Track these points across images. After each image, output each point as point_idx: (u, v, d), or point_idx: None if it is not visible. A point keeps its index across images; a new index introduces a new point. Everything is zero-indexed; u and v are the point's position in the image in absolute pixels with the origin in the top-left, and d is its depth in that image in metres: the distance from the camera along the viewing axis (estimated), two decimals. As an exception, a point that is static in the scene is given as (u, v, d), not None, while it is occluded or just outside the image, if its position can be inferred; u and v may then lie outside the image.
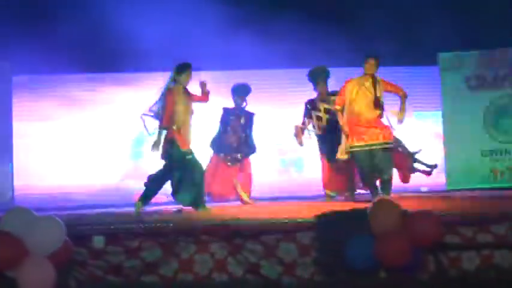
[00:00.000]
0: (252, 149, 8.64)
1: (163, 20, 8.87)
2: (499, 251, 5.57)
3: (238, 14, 8.96)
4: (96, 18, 9.01)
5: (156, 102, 7.31)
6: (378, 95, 7.65)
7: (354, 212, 5.68)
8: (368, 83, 7.65)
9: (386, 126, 7.75)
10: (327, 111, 8.35)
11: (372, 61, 7.66)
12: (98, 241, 5.61)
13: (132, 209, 7.37)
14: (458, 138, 10.00)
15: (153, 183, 7.38)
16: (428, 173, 8.99)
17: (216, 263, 5.59)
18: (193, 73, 7.43)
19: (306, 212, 6.32)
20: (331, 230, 5.36)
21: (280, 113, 9.79)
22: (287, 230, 5.66)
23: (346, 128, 7.68)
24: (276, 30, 9.25)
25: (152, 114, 7.33)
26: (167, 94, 7.26)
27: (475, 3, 9.61)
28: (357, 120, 7.66)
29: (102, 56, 9.53)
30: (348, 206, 6.72)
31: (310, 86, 8.50)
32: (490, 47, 9.81)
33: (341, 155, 7.81)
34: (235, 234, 5.63)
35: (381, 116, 7.74)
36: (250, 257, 5.59)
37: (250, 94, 8.62)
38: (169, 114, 7.22)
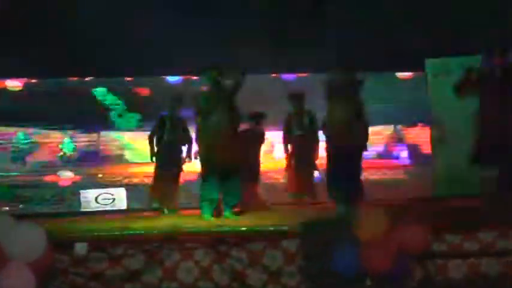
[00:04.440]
0: None
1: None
2: (486, 259, 5.53)
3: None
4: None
5: None
6: None
7: (338, 219, 5.64)
8: None
9: None
10: None
11: None
12: (81, 248, 5.52)
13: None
14: (447, 144, 9.99)
15: None
16: None
17: (200, 271, 5.52)
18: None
19: (291, 219, 6.27)
20: (316, 238, 5.32)
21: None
22: (272, 237, 5.60)
23: None
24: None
25: None
26: None
27: (462, 9, 9.57)
28: None
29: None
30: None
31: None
32: (476, 53, 9.80)
33: None
34: (220, 241, 5.57)
35: None
36: (236, 264, 5.53)
37: None
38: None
